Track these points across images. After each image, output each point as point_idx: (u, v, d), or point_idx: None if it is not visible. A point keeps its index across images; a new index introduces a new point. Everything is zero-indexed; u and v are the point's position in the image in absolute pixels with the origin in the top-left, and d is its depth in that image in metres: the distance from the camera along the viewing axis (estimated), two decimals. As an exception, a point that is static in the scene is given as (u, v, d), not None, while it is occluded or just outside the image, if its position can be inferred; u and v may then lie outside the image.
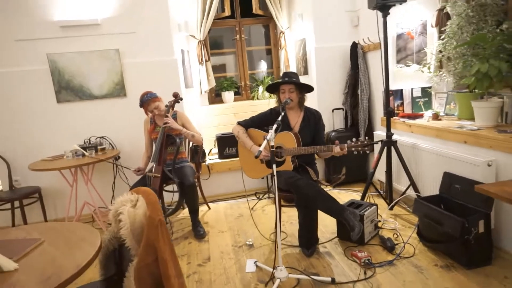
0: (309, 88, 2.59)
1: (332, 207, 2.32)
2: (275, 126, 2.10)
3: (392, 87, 3.57)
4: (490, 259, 2.21)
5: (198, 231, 2.99)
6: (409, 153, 3.02)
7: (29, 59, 3.42)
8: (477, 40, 2.49)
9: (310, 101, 4.01)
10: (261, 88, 4.52)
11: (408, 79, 3.45)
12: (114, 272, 1.66)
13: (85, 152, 3.25)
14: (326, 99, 4.03)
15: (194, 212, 3.03)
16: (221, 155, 4.01)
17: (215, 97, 4.61)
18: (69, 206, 3.23)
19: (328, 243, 2.67)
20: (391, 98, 3.61)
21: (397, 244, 2.52)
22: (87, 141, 3.50)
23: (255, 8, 4.25)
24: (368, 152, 2.26)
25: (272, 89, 2.68)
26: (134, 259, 1.39)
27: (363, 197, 3.14)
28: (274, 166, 2.01)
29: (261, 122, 2.67)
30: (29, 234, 1.47)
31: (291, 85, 2.52)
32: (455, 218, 2.15)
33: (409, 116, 3.30)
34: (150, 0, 3.54)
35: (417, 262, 2.32)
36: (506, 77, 2.44)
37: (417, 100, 3.47)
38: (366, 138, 2.30)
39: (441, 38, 3.00)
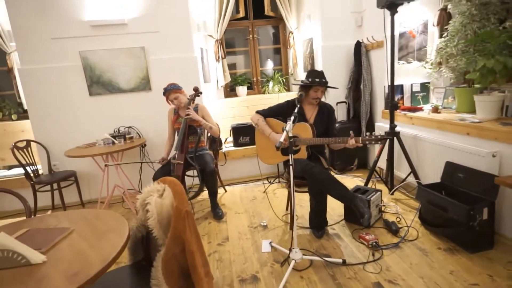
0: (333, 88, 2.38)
1: (344, 195, 2.11)
2: (292, 117, 1.88)
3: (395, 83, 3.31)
4: (492, 244, 2.01)
5: (217, 213, 2.81)
6: (410, 143, 2.78)
7: (63, 56, 3.21)
8: (485, 36, 2.22)
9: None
10: (271, 83, 4.27)
11: (408, 75, 3.18)
12: (142, 257, 1.48)
13: (115, 140, 3.06)
14: (331, 93, 3.73)
15: (213, 195, 2.85)
16: (236, 143, 3.80)
17: (229, 91, 4.37)
18: (101, 189, 3.07)
19: (336, 225, 2.48)
20: (388, 93, 3.35)
21: (401, 227, 2.32)
22: (116, 131, 3.31)
23: (267, 10, 3.96)
24: (380, 144, 2.04)
25: (303, 85, 2.43)
26: (161, 248, 1.20)
27: (366, 183, 2.92)
28: (291, 155, 1.80)
29: (278, 112, 2.45)
30: (60, 222, 1.29)
31: (324, 87, 2.29)
32: (461, 205, 1.93)
33: (410, 109, 3.05)
34: (172, 2, 3.29)
35: (421, 245, 2.12)
36: (510, 72, 2.17)
37: (416, 94, 3.21)
38: (379, 133, 2.07)
39: (444, 35, 2.72)
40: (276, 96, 4.13)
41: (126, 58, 3.29)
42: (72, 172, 3.24)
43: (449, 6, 2.79)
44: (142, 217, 1.37)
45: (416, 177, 2.65)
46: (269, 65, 4.56)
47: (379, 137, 1.98)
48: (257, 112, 2.50)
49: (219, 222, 2.75)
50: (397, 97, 3.28)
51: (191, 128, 2.80)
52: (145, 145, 3.36)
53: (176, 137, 2.88)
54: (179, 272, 1.18)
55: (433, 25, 2.97)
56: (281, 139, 1.76)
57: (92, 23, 3.17)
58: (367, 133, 2.02)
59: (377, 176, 3.08)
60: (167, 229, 1.21)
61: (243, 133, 3.78)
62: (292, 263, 1.89)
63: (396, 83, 3.27)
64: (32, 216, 1.57)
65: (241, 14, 3.92)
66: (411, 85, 3.19)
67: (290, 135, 1.78)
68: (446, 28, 2.73)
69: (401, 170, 2.95)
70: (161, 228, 1.19)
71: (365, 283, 1.78)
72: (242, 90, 4.21)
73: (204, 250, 1.28)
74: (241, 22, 4.16)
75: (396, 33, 3.22)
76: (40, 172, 3.29)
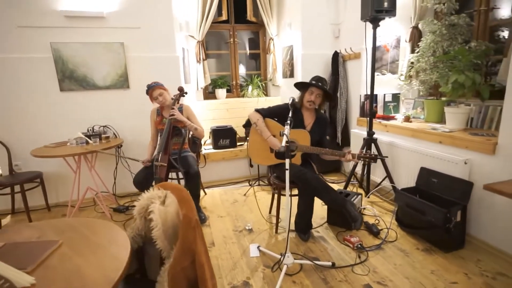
0: (331, 98, 2.33)
1: (336, 199, 2.09)
2: (288, 122, 1.82)
3: (368, 92, 3.41)
4: (463, 244, 2.12)
5: (199, 216, 2.65)
6: (386, 149, 2.86)
7: (32, 46, 2.83)
8: (458, 53, 2.35)
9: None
10: (250, 88, 4.19)
11: (382, 85, 3.29)
12: (135, 269, 1.31)
13: (89, 140, 2.77)
14: (309, 99, 3.79)
15: (196, 198, 2.68)
16: (216, 146, 3.66)
17: (208, 93, 4.21)
18: (72, 191, 2.74)
19: (320, 228, 2.46)
20: (367, 102, 3.45)
21: (381, 229, 2.36)
22: (90, 129, 3.00)
23: (250, 15, 3.88)
24: (373, 162, 2.07)
25: (300, 86, 2.38)
26: (166, 261, 1.06)
27: (346, 186, 2.96)
28: (287, 160, 1.73)
29: (277, 114, 2.35)
30: (44, 234, 1.08)
31: (320, 90, 2.24)
32: (439, 208, 2.01)
33: (384, 118, 3.15)
34: (155, -2, 3.08)
35: (400, 246, 2.17)
36: (477, 87, 2.32)
37: (388, 104, 3.33)
38: (375, 153, 2.10)
39: (416, 51, 2.86)
40: (255, 100, 4.06)
41: (103, 53, 3.01)
42: (37, 173, 2.86)
43: (420, 25, 2.95)
44: (139, 226, 1.21)
45: (391, 181, 2.73)
46: (249, 69, 4.48)
47: (373, 156, 2.00)
48: (257, 110, 2.38)
49: (202, 226, 2.60)
50: (373, 105, 3.38)
51: (175, 129, 2.61)
52: (121, 145, 3.08)
53: (159, 138, 2.68)
54: (186, 286, 1.05)
55: (406, 41, 3.11)
56: (283, 144, 1.69)
57: (66, 13, 2.84)
58: (363, 151, 2.03)
59: (356, 180, 3.13)
60: (172, 240, 1.07)
61: (223, 136, 3.66)
62: (284, 268, 1.83)
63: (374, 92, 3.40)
64: None
65: (224, 17, 3.80)
66: (384, 95, 3.30)
67: (287, 140, 1.71)
68: (418, 44, 2.87)
69: (376, 175, 3.03)
70: (166, 239, 1.05)
71: (356, 285, 1.77)
72: (221, 92, 4.08)
73: (211, 262, 1.15)
74: (222, 25, 4.03)
75: (372, 46, 3.32)
76: (-1, 172, 2.87)
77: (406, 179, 2.65)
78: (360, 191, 2.99)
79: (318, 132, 2.37)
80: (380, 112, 3.35)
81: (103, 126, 3.05)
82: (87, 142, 2.75)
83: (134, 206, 2.69)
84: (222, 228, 2.53)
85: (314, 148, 2.18)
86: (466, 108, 2.42)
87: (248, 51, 4.40)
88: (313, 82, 2.28)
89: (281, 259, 1.85)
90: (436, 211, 2.02)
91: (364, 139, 2.83)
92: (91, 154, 2.79)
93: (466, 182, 2.08)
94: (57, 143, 2.82)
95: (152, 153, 2.73)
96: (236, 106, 4.00)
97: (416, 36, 3.03)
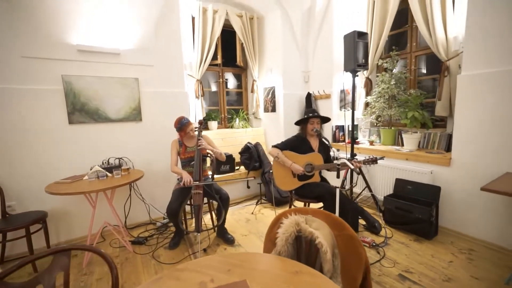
0: (327, 119, 2.47)
1: (357, 208, 2.21)
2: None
3: (337, 123, 3.79)
4: (437, 232, 2.46)
5: (228, 238, 2.43)
6: (364, 166, 3.17)
7: (40, 78, 2.28)
8: (412, 98, 2.85)
9: (279, 129, 3.91)
10: (238, 120, 4.16)
11: (346, 118, 3.69)
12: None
13: (108, 173, 2.30)
14: (289, 128, 3.96)
15: (224, 221, 2.46)
16: (218, 171, 3.46)
17: (199, 125, 3.99)
18: (91, 228, 2.18)
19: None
20: (336, 130, 3.81)
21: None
22: (105, 162, 2.50)
23: (239, 61, 3.94)
24: (375, 164, 2.25)
25: (301, 121, 2.45)
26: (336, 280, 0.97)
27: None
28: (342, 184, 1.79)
29: (290, 146, 2.40)
30: (212, 276, 0.86)
31: (318, 118, 2.37)
32: (424, 207, 2.32)
33: (355, 142, 3.50)
34: (167, 40, 2.89)
35: (398, 239, 2.39)
36: (424, 120, 2.84)
37: (350, 132, 3.74)
38: (370, 156, 2.30)
39: (373, 94, 3.34)
40: (244, 131, 4.04)
41: (118, 87, 2.62)
42: (41, 213, 2.20)
43: (369, 76, 3.49)
44: (287, 253, 1.06)
45: (370, 190, 3.03)
46: (233, 104, 4.46)
47: (374, 158, 2.20)
48: (275, 146, 2.39)
49: (233, 246, 2.38)
50: (341, 133, 3.75)
51: (203, 157, 2.41)
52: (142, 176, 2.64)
53: (181, 166, 2.42)
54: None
55: (361, 87, 3.62)
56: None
57: (80, 47, 2.41)
58: (365, 157, 2.19)
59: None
60: (335, 259, 1.00)
61: (224, 162, 3.49)
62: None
63: (339, 123, 3.78)
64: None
65: (219, 60, 3.77)
66: (348, 125, 3.71)
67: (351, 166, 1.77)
68: (370, 89, 3.39)
69: (356, 187, 3.30)
70: (336, 260, 0.97)
71: (393, 277, 1.87)
72: (214, 124, 3.93)
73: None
74: (213, 68, 3.98)
75: (338, 90, 3.75)
76: (-13, 217, 2.11)
77: (383, 189, 2.98)
78: (345, 200, 3.20)
79: (324, 152, 2.50)
80: (346, 138, 3.73)
81: (119, 158, 2.58)
82: (106, 175, 2.28)
83: (151, 236, 2.36)
84: (255, 246, 2.37)
85: (327, 164, 2.29)
86: (418, 134, 2.92)
87: (234, 90, 4.40)
88: (310, 115, 2.44)
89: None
90: (423, 209, 2.33)
91: (337, 158, 3.08)
92: (111, 189, 2.30)
93: (435, 186, 2.47)
94: (71, 177, 2.25)
95: (181, 172, 2.37)
96: (229, 136, 3.90)
97: (368, 84, 3.57)
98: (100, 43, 2.51)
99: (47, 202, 2.32)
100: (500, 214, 2.16)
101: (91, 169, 2.27)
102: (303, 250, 1.03)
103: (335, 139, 3.73)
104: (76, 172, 2.39)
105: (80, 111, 2.47)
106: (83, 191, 1.95)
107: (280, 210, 3.12)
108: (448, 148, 2.68)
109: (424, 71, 3.24)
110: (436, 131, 2.88)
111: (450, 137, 2.68)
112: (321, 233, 1.01)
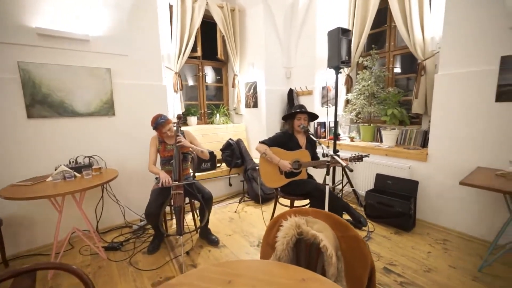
0: (315, 116, 2.43)
1: (344, 205, 2.21)
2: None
3: (319, 119, 3.80)
4: (414, 225, 2.57)
5: (213, 239, 2.32)
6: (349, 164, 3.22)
7: (-10, 64, 1.96)
8: (391, 96, 2.93)
9: (261, 125, 3.84)
10: (218, 116, 4.01)
11: (327, 114, 3.73)
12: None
13: (76, 173, 2.06)
14: (271, 124, 3.92)
15: (207, 221, 2.34)
16: (198, 169, 3.30)
17: (178, 120, 3.78)
18: (57, 235, 1.93)
19: (319, 230, 2.52)
20: (318, 127, 3.83)
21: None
22: (73, 161, 2.24)
23: (220, 54, 3.78)
24: (360, 161, 2.26)
25: (288, 116, 2.39)
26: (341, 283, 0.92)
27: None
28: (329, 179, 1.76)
29: (277, 142, 2.33)
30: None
31: (305, 114, 2.32)
32: (404, 202, 2.40)
33: (337, 139, 3.53)
34: (142, 28, 2.66)
35: (380, 233, 2.45)
36: (402, 117, 2.95)
37: (331, 128, 3.79)
38: (357, 153, 2.31)
39: (353, 91, 3.40)
40: (224, 127, 3.91)
41: (87, 78, 2.35)
42: (-5, 220, 1.91)
43: (350, 74, 3.55)
44: (287, 258, 0.99)
45: (352, 185, 3.08)
46: (212, 99, 4.29)
47: (360, 156, 2.21)
48: (262, 142, 2.31)
49: (218, 247, 2.27)
50: (322, 130, 3.78)
51: (183, 155, 2.26)
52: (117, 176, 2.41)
53: (159, 165, 2.25)
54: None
55: (342, 84, 3.66)
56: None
57: (40, 31, 2.11)
58: (352, 154, 2.21)
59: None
60: (339, 262, 0.95)
61: (205, 159, 3.34)
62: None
63: (320, 120, 3.79)
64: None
65: (199, 53, 3.58)
66: (329, 122, 3.74)
67: (343, 163, 1.75)
68: (351, 87, 3.44)
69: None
70: (339, 263, 0.92)
71: (379, 270, 1.90)
72: (193, 120, 3.75)
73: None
74: (192, 60, 3.77)
75: (320, 86, 3.77)
76: None
77: (363, 184, 3.05)
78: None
79: (311, 149, 2.48)
80: (328, 134, 3.77)
81: (89, 157, 2.33)
82: (75, 176, 2.04)
83: (127, 240, 2.19)
84: (240, 246, 2.28)
85: (315, 162, 2.27)
86: (397, 131, 3.02)
87: (213, 84, 4.23)
88: (298, 110, 2.40)
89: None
90: (403, 203, 2.42)
91: (327, 155, 3.11)
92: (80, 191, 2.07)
93: (413, 181, 2.57)
94: (32, 179, 1.98)
95: (158, 172, 2.20)
96: (209, 132, 3.74)
97: (349, 81, 3.62)
98: (65, 27, 2.23)
99: (2, 207, 2.02)
100: (472, 206, 2.30)
101: (55, 169, 2.02)
102: (303, 253, 0.96)
103: (316, 136, 3.74)
104: (38, 172, 2.11)
105: (41, 103, 2.17)
106: (46, 194, 1.71)
107: (264, 208, 3.07)
108: (424, 144, 2.81)
109: (399, 70, 3.35)
110: (412, 127, 3.00)
111: (425, 133, 2.80)
112: (324, 235, 0.96)
